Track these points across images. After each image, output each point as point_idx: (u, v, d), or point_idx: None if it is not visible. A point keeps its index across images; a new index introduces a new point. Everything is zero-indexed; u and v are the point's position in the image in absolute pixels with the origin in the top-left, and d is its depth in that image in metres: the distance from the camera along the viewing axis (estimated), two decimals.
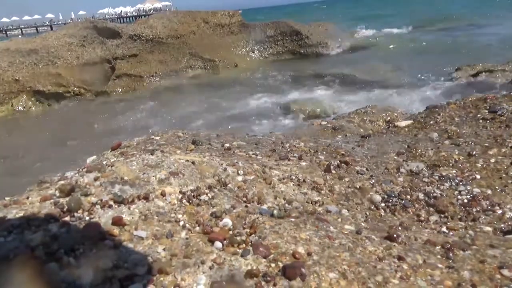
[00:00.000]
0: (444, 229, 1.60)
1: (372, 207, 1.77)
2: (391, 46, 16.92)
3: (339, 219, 1.58)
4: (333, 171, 2.01)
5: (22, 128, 10.52)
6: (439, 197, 1.80)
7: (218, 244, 1.25)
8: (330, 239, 1.31)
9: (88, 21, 15.21)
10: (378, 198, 1.82)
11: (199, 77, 13.65)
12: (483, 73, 9.82)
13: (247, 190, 1.67)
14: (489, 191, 1.83)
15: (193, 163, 1.79)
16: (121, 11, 78.55)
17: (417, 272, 1.19)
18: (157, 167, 1.68)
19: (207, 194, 1.55)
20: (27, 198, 1.47)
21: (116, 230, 1.26)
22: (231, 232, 1.33)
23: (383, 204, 1.79)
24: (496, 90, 8.33)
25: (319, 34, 15.96)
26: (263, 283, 1.09)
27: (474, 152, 2.13)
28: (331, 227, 1.42)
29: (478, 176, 1.94)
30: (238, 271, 1.13)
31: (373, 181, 1.95)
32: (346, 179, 1.95)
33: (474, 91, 8.88)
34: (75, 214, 1.34)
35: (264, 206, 1.57)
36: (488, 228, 1.59)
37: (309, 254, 1.21)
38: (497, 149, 2.16)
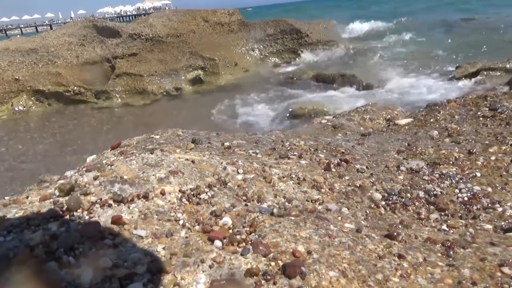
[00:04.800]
0: (444, 227, 1.60)
1: (372, 205, 1.77)
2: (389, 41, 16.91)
3: (339, 218, 1.57)
4: (333, 169, 2.01)
5: (24, 127, 10.53)
6: (440, 195, 1.80)
7: (217, 243, 1.25)
8: (330, 238, 1.30)
9: (87, 20, 15.20)
10: (378, 196, 1.82)
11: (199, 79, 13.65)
12: (484, 70, 9.81)
13: (247, 189, 1.67)
14: (489, 189, 1.82)
15: (192, 162, 1.79)
16: (121, 10, 78.56)
17: (417, 270, 1.19)
18: (157, 166, 1.68)
19: (206, 193, 1.54)
20: (27, 197, 1.47)
21: (115, 229, 1.26)
22: (231, 231, 1.33)
23: (383, 202, 1.79)
24: (497, 87, 8.32)
25: (319, 32, 15.94)
26: (263, 281, 1.09)
27: (474, 150, 2.13)
28: (331, 225, 1.42)
29: (478, 174, 1.93)
30: (238, 270, 1.13)
31: (373, 179, 1.94)
32: (346, 177, 1.95)
33: (474, 89, 8.87)
34: (75, 213, 1.34)
35: (264, 205, 1.57)
36: (489, 226, 1.59)
37: (309, 252, 1.20)
38: (497, 147, 2.16)
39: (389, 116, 3.75)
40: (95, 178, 1.56)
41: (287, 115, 9.09)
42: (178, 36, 14.54)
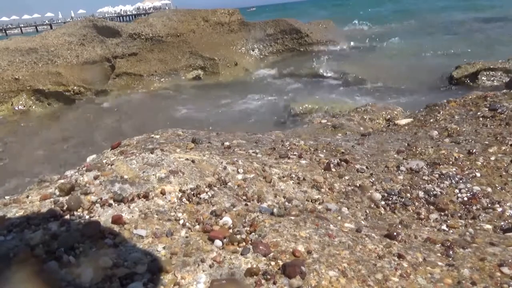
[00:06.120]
0: (444, 227, 1.60)
1: (372, 205, 1.77)
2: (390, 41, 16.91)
3: (339, 217, 1.58)
4: (333, 169, 2.01)
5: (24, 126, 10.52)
6: (439, 195, 1.80)
7: (218, 242, 1.25)
8: (330, 237, 1.31)
9: (87, 20, 15.19)
10: (378, 196, 1.82)
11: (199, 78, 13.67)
12: (483, 71, 9.81)
13: (247, 189, 1.67)
14: (489, 189, 1.82)
15: (193, 161, 1.79)
16: (121, 9, 78.62)
17: (417, 270, 1.19)
18: (157, 166, 1.68)
19: (207, 193, 1.55)
20: (27, 197, 1.47)
21: (116, 229, 1.26)
22: (231, 231, 1.33)
23: (383, 202, 1.79)
24: (496, 87, 8.33)
25: (319, 32, 15.94)
26: (263, 281, 1.09)
27: (474, 150, 2.13)
28: (331, 225, 1.42)
29: (478, 174, 1.94)
30: (238, 270, 1.13)
31: (373, 179, 1.95)
32: (346, 177, 1.95)
33: (474, 89, 8.88)
34: (75, 212, 1.34)
35: (264, 204, 1.57)
36: (488, 226, 1.59)
37: (309, 252, 1.21)
38: (497, 147, 2.16)
39: (388, 116, 3.75)
40: (95, 178, 1.56)
41: (287, 114, 9.09)
42: (178, 36, 14.54)
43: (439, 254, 1.30)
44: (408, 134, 2.67)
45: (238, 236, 1.28)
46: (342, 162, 2.09)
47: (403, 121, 3.06)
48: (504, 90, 2.99)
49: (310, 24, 16.67)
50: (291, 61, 15.06)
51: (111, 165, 1.68)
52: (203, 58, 14.02)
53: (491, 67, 9.83)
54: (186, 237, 1.28)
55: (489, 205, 1.72)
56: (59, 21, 68.37)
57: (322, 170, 1.99)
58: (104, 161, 1.79)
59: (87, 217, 1.32)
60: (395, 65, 12.90)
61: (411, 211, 1.74)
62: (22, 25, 72.93)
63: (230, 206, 1.48)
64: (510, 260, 1.22)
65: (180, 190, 1.53)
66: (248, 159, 2.00)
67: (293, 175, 1.87)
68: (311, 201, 1.70)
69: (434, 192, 1.82)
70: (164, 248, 1.21)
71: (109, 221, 1.29)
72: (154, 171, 1.62)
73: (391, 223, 1.58)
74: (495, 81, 9.40)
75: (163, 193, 1.49)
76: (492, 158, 2.05)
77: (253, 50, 15.32)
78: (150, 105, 11.66)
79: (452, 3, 31.48)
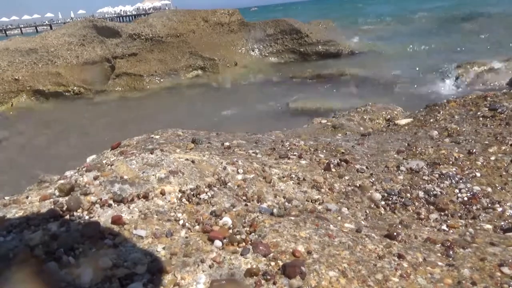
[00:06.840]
0: (444, 227, 1.60)
1: (372, 205, 1.77)
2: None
3: (339, 217, 1.57)
4: (333, 170, 2.01)
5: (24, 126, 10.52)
6: (439, 195, 1.80)
7: (217, 242, 1.25)
8: (330, 238, 1.31)
9: (87, 20, 15.20)
10: (378, 196, 1.82)
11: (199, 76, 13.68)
12: (484, 70, 9.81)
13: (247, 189, 1.67)
14: (489, 189, 1.82)
15: (192, 161, 1.79)
16: (121, 10, 78.75)
17: (417, 270, 1.19)
18: (157, 166, 1.68)
19: (206, 193, 1.55)
20: (27, 197, 1.47)
21: (115, 229, 1.26)
22: (230, 231, 1.33)
23: (383, 202, 1.79)
24: (496, 87, 8.33)
25: (318, 32, 15.95)
26: (263, 281, 1.09)
27: (474, 150, 2.13)
28: (331, 225, 1.42)
29: (478, 174, 1.94)
30: (238, 270, 1.13)
31: (373, 179, 1.94)
32: (346, 177, 1.95)
33: (474, 89, 8.88)
34: (75, 213, 1.34)
35: (264, 205, 1.57)
36: (488, 226, 1.59)
37: (309, 252, 1.21)
38: (497, 147, 2.16)
39: (388, 116, 3.75)
40: (95, 178, 1.56)
41: (287, 114, 9.09)
42: (178, 36, 14.55)
43: (439, 254, 1.30)
44: (408, 134, 2.67)
45: (238, 237, 1.28)
46: (342, 162, 2.09)
47: (403, 121, 3.06)
48: (504, 90, 2.99)
49: (310, 24, 16.67)
50: (291, 61, 15.07)
51: (111, 166, 1.68)
52: (203, 58, 14.03)
53: (492, 66, 9.83)
54: (186, 237, 1.28)
55: (489, 205, 1.72)
56: (59, 21, 68.46)
57: (322, 170, 1.99)
58: (104, 161, 1.79)
59: (86, 217, 1.32)
60: (395, 65, 12.90)
61: (411, 211, 1.74)
62: (22, 26, 73.03)
63: (230, 206, 1.48)
64: (510, 260, 1.22)
65: (180, 191, 1.53)
66: (248, 159, 1.99)
67: (293, 175, 1.87)
68: (311, 201, 1.70)
69: (434, 192, 1.82)
70: (164, 248, 1.21)
71: (109, 222, 1.29)
72: (154, 172, 1.62)
73: (391, 223, 1.58)
74: (495, 80, 9.41)
75: (162, 193, 1.49)
76: (492, 158, 2.05)
77: (253, 51, 15.33)
78: (150, 105, 11.67)
79: (452, 2, 31.51)
